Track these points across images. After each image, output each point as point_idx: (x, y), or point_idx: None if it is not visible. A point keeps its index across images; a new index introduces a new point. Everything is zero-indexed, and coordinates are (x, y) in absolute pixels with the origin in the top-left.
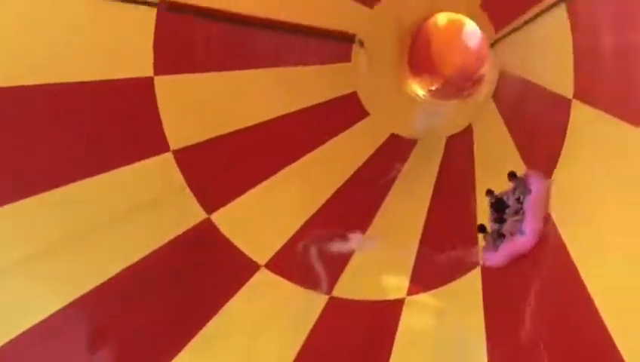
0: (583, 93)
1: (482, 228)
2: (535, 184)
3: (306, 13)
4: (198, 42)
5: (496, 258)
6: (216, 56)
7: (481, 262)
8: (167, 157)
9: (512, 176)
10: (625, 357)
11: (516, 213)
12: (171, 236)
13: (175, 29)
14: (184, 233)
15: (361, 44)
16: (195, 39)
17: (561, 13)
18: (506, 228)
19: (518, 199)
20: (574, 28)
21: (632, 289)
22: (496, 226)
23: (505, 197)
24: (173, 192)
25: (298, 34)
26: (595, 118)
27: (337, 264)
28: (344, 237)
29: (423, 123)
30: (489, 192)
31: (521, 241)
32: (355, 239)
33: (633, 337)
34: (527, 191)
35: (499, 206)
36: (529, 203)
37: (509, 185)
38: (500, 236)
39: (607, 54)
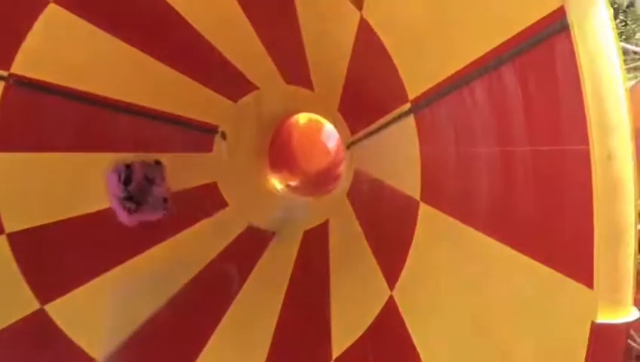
0: (429, 197)
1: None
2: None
3: (169, 100)
4: (47, 121)
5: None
6: (65, 137)
7: (333, 357)
8: (1, 240)
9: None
10: None
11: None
12: (1, 326)
13: (23, 105)
14: (16, 323)
15: (224, 136)
16: (44, 118)
17: (409, 122)
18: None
19: (148, 178)
20: (421, 136)
21: None
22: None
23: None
24: (4, 279)
25: (160, 121)
26: (440, 220)
27: (185, 360)
28: (190, 335)
29: (278, 215)
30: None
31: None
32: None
33: None
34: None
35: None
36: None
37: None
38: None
39: (450, 163)
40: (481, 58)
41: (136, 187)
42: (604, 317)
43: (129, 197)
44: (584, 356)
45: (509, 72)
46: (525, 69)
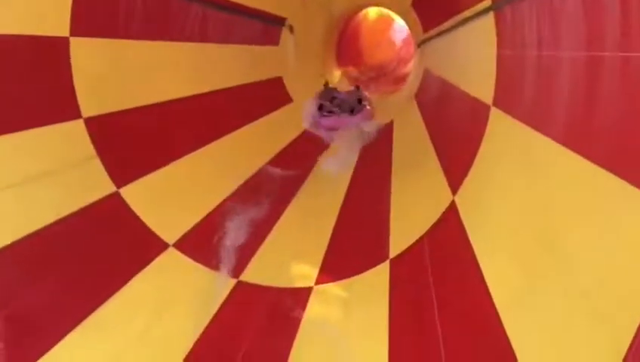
0: (503, 102)
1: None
2: None
3: None
4: (121, 7)
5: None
6: (139, 24)
7: (390, 256)
8: (79, 124)
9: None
10: (516, 351)
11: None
12: (76, 207)
13: None
14: (91, 205)
15: (291, 29)
16: (118, 3)
17: (488, 21)
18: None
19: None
20: (500, 37)
21: (526, 288)
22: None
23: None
24: (82, 161)
25: (227, 11)
26: (512, 126)
27: (248, 248)
28: (257, 222)
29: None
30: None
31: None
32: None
33: (525, 333)
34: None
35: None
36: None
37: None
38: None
39: (530, 67)
40: None
41: (339, 101)
42: None
43: (326, 107)
44: None
45: None
46: None
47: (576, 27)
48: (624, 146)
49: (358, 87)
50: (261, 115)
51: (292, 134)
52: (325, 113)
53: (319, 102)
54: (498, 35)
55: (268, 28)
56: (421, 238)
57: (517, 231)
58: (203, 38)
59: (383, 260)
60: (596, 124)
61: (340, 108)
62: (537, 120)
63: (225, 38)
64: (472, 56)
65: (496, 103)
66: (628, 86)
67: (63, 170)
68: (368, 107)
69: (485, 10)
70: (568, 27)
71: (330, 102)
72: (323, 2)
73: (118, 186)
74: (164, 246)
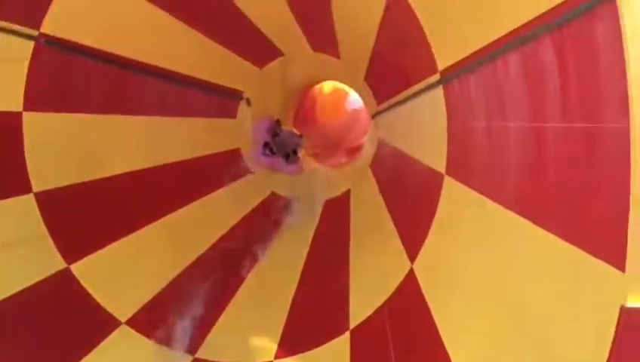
0: (455, 170)
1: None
2: None
3: (195, 65)
4: (76, 81)
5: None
6: (93, 98)
7: (350, 327)
8: (29, 199)
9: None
10: None
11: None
12: (26, 284)
13: (52, 65)
14: (41, 282)
15: (248, 102)
16: (72, 78)
17: (438, 94)
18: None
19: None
20: (449, 109)
21: (486, 352)
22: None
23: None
24: (32, 237)
25: (185, 85)
26: (465, 194)
27: (204, 324)
28: (212, 298)
29: (301, 184)
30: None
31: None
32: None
33: None
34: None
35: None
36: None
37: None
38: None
39: (479, 137)
40: (519, 28)
41: (279, 141)
42: (634, 302)
43: (270, 145)
44: (611, 339)
45: (547, 45)
46: (564, 43)
47: (520, 99)
48: (572, 213)
49: (300, 135)
50: (218, 187)
51: (249, 206)
52: (267, 152)
53: (266, 140)
54: (447, 107)
55: (225, 101)
56: (381, 307)
57: (475, 297)
58: (160, 111)
59: (343, 331)
60: (545, 192)
61: (278, 148)
62: (489, 188)
63: (182, 111)
64: (424, 127)
65: (449, 172)
66: (571, 155)
67: (12, 244)
68: (300, 160)
69: (434, 84)
70: (512, 99)
71: (272, 137)
72: (279, 76)
73: (69, 262)
74: (116, 323)
